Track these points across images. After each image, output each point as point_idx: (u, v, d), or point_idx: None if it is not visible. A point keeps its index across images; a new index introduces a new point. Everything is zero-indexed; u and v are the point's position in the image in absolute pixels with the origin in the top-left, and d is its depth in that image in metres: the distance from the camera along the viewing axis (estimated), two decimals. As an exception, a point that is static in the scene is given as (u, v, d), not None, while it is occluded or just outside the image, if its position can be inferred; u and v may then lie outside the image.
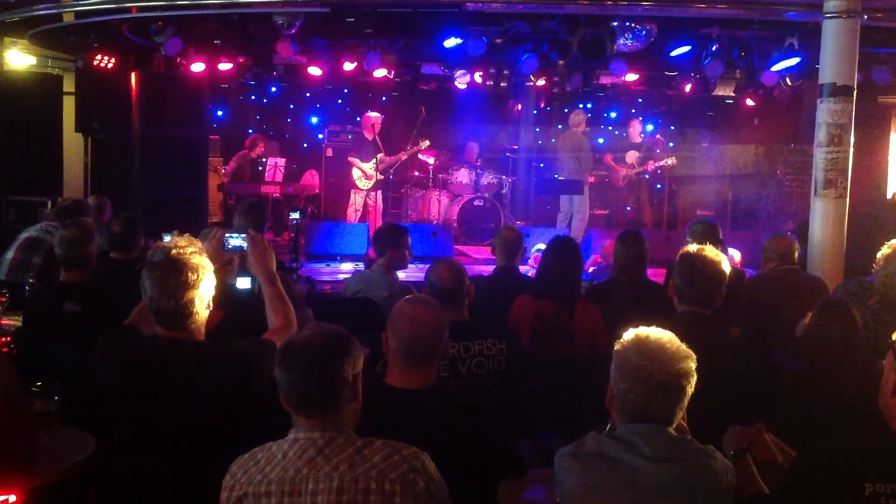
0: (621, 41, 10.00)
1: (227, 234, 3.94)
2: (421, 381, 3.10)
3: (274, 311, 3.64)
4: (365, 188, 12.86)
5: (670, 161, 13.19)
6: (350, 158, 13.00)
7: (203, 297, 3.25)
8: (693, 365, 2.65)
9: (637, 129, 13.64)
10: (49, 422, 3.45)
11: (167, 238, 3.38)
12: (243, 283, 4.34)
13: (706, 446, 2.66)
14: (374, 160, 12.73)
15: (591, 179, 12.97)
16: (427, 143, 13.24)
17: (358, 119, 13.96)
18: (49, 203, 9.51)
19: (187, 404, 3.14)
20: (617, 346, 2.72)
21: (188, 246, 3.27)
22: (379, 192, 13.10)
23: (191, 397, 3.14)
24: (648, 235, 5.96)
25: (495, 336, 4.12)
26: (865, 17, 7.33)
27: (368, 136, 12.92)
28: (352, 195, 13.04)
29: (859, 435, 2.71)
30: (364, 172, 12.79)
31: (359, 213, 12.95)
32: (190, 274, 3.20)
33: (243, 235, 3.89)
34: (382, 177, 12.96)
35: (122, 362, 3.25)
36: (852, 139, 7.18)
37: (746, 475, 2.83)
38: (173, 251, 3.21)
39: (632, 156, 13.35)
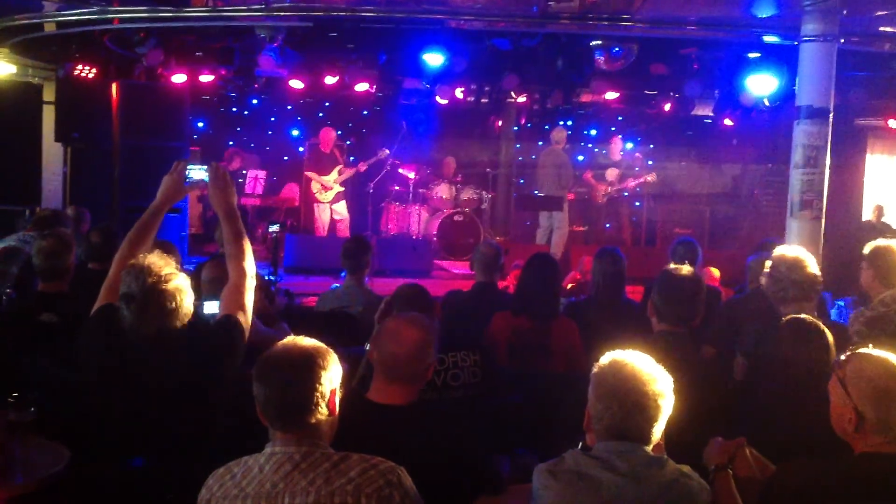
0: (602, 60, 10.07)
1: (188, 166, 3.83)
2: (401, 398, 3.10)
3: (230, 256, 3.58)
4: (325, 200, 13.00)
5: (650, 177, 13.29)
6: (307, 173, 13.20)
7: (183, 318, 3.27)
8: (669, 385, 2.69)
9: (617, 147, 13.76)
10: (24, 433, 3.43)
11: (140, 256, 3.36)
12: (211, 307, 4.13)
13: (682, 466, 2.69)
14: (333, 172, 12.89)
15: (571, 196, 13.04)
16: (387, 151, 13.34)
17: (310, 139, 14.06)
18: (27, 212, 9.46)
19: (163, 407, 3.14)
20: (594, 369, 2.76)
21: (164, 267, 3.25)
22: (343, 204, 13.19)
23: (166, 397, 3.15)
24: (627, 253, 6.00)
25: (468, 348, 4.16)
26: (842, 41, 7.43)
27: (325, 150, 13.10)
28: (315, 210, 13.14)
29: (827, 458, 2.75)
30: (323, 184, 12.94)
31: (326, 228, 13.01)
32: (168, 303, 3.21)
33: (205, 168, 3.77)
34: (343, 188, 13.08)
35: (106, 345, 3.29)
36: (828, 161, 7.27)
37: (725, 490, 2.86)
38: (149, 280, 3.19)
39: (611, 173, 13.44)
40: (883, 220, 13.66)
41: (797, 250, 4.65)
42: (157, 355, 3.22)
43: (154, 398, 3.17)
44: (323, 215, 13.06)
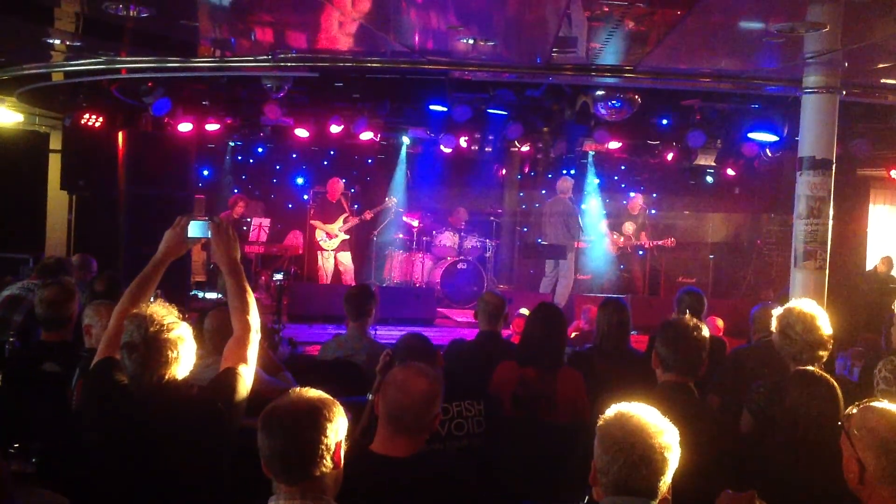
0: (605, 111, 10.16)
1: (191, 221, 3.76)
2: (406, 449, 3.08)
3: (234, 310, 3.52)
4: (329, 248, 13.06)
5: (669, 243, 13.40)
6: (312, 222, 13.26)
7: (185, 367, 3.25)
8: (675, 438, 2.66)
9: (637, 204, 13.89)
10: (26, 484, 3.40)
11: (143, 306, 3.35)
12: None
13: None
14: (338, 221, 12.98)
15: (581, 245, 13.07)
16: (395, 199, 13.41)
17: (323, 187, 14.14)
18: (31, 260, 9.48)
19: (166, 459, 3.12)
20: (600, 422, 2.74)
21: (166, 316, 3.24)
22: (349, 255, 13.23)
23: (170, 451, 3.12)
24: (631, 302, 6.00)
25: (472, 397, 4.14)
26: (844, 92, 7.46)
27: (332, 199, 13.20)
28: (319, 258, 13.16)
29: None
30: (327, 233, 13.01)
31: (329, 276, 13.01)
32: (170, 352, 3.18)
33: (207, 223, 3.72)
34: (348, 237, 13.14)
35: (106, 402, 3.26)
36: (832, 212, 7.27)
37: None
38: (151, 329, 3.17)
39: (628, 228, 13.54)
40: (893, 272, 13.64)
41: (811, 308, 4.53)
42: (159, 405, 3.20)
43: (157, 449, 3.15)
44: (326, 263, 13.08)
